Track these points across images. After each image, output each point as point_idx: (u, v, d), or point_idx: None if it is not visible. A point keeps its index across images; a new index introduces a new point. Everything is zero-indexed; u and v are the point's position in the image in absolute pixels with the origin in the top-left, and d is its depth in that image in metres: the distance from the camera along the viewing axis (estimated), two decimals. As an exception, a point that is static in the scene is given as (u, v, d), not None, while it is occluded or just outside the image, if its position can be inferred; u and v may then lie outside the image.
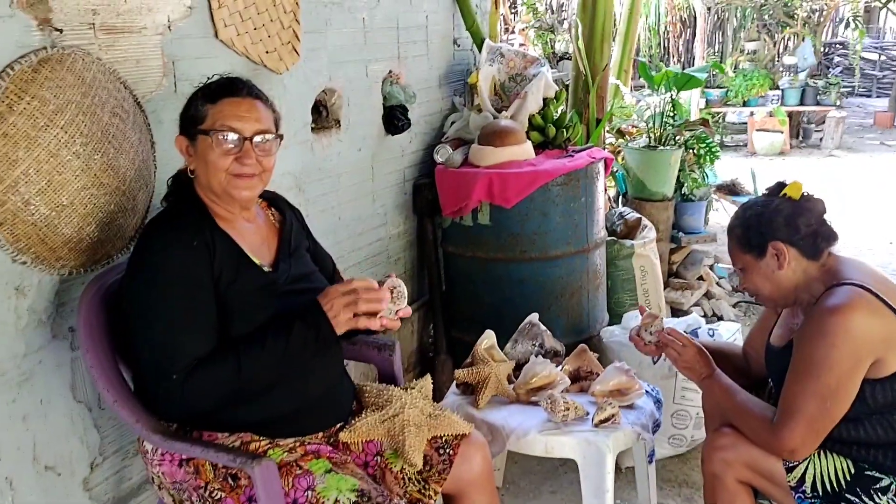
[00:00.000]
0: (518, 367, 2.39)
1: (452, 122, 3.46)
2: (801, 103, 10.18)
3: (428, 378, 1.96)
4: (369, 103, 3.01)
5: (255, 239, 1.79)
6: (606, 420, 2.15)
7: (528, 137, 3.29)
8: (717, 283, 4.96)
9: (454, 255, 3.27)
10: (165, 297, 1.57)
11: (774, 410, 1.88)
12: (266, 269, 1.75)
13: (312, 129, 2.71)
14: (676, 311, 4.60)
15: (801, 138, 10.56)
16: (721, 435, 1.95)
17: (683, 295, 4.63)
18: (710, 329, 3.04)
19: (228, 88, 1.69)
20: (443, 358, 3.36)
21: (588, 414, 2.18)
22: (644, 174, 4.43)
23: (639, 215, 3.87)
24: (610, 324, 3.43)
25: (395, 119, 3.06)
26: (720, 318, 4.70)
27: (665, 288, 4.49)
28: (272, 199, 1.91)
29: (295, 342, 1.61)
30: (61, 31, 1.75)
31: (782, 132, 9.79)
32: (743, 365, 2.23)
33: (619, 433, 2.14)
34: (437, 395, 2.21)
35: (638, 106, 5.62)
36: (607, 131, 5.04)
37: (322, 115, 2.81)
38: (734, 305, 4.89)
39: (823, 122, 10.38)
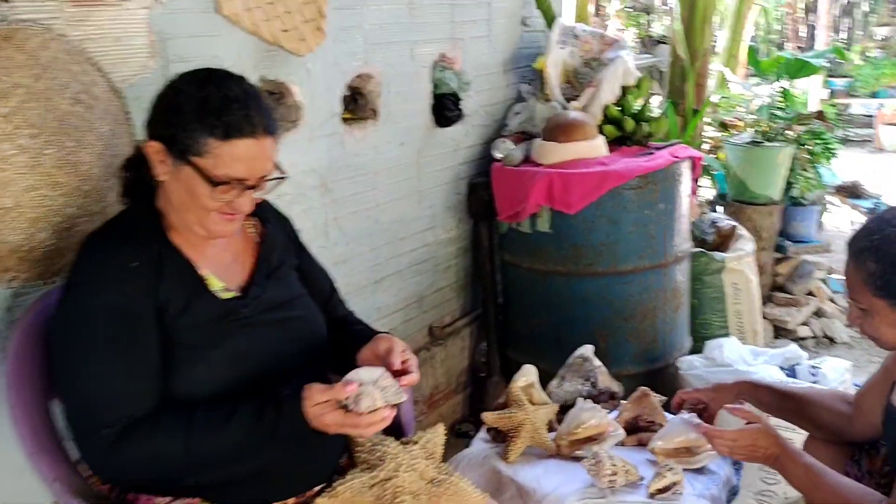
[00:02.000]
0: (563, 411, 1.99)
1: (517, 114, 3.06)
2: (939, 94, 9.13)
3: (440, 429, 1.59)
4: (415, 91, 2.65)
5: (223, 257, 1.46)
6: (665, 490, 1.72)
7: (602, 132, 2.85)
8: (831, 300, 4.36)
9: (511, 265, 2.88)
10: (94, 336, 1.27)
11: (882, 498, 1.42)
12: (230, 293, 1.43)
13: (344, 119, 2.38)
14: (780, 331, 4.05)
15: (937, 133, 9.47)
16: None
17: (789, 312, 4.08)
18: (811, 367, 2.52)
19: (244, 125, 1.29)
20: (495, 380, 2.99)
21: (643, 480, 1.76)
22: (747, 174, 3.90)
23: (734, 223, 3.36)
24: (693, 350, 2.95)
25: (445, 109, 2.69)
26: (832, 341, 4.11)
27: (767, 304, 3.95)
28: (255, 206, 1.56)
29: (262, 432, 1.30)
30: (8, 0, 1.48)
31: (915, 126, 8.79)
32: (842, 422, 1.75)
33: (680, 507, 1.71)
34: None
35: (746, 96, 5.03)
36: (708, 124, 4.50)
37: (358, 103, 2.47)
38: (849, 326, 4.26)
39: (964, 116, 9.26)
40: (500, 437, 1.93)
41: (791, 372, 2.53)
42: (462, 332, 3.02)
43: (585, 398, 1.98)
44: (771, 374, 2.49)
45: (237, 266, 1.48)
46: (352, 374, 1.31)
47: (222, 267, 1.45)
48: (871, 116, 9.27)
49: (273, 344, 1.43)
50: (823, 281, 4.39)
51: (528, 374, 1.98)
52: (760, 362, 2.62)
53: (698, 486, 1.78)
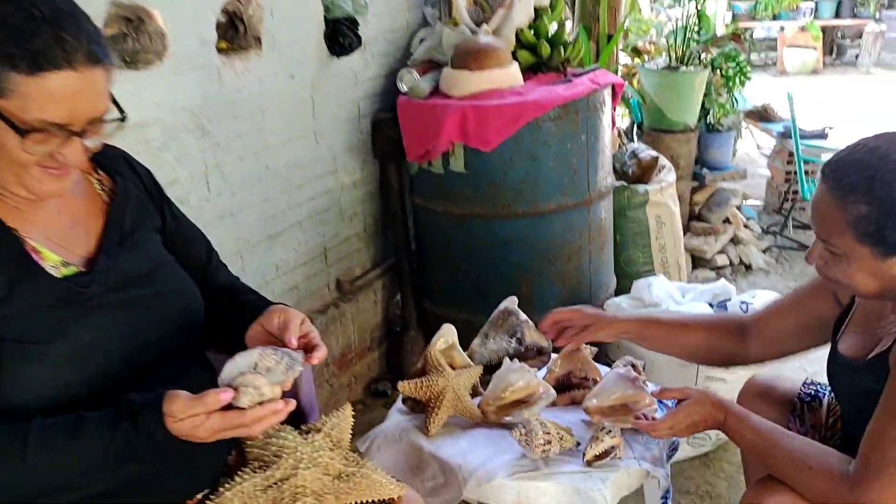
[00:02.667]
0: (489, 372, 1.78)
1: (422, 40, 2.76)
2: (837, 16, 9.25)
3: (347, 411, 1.34)
4: (304, 14, 2.31)
5: (57, 221, 1.15)
6: (603, 455, 1.54)
7: (516, 58, 2.59)
8: (745, 226, 4.32)
9: (424, 210, 2.63)
10: None
11: (844, 458, 1.27)
12: (70, 268, 1.13)
13: (220, 49, 2.04)
14: (697, 261, 3.98)
15: (835, 55, 9.68)
16: (766, 491, 1.35)
17: (707, 241, 4.02)
18: (741, 302, 2.40)
19: (57, 53, 0.97)
20: (413, 334, 2.77)
21: (579, 445, 1.58)
22: (663, 100, 3.74)
23: (655, 153, 3.20)
24: (618, 290, 2.80)
25: (340, 36, 2.38)
26: (748, 268, 4.08)
27: (685, 233, 3.85)
28: (101, 157, 1.24)
29: (117, 450, 1.03)
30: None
31: (815, 49, 8.91)
32: (734, 347, 1.64)
33: (619, 473, 1.54)
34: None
35: (658, 20, 4.86)
36: (620, 50, 4.30)
37: (237, 30, 2.13)
38: (765, 251, 4.25)
39: (860, 38, 9.46)
40: (419, 408, 1.70)
41: (721, 308, 2.41)
42: (374, 284, 2.77)
43: (512, 357, 1.77)
44: (701, 311, 2.36)
45: (78, 233, 1.17)
46: (225, 372, 1.05)
47: (58, 235, 1.14)
48: (773, 40, 9.35)
49: (130, 330, 1.15)
50: (738, 208, 4.34)
51: (446, 335, 1.75)
52: (689, 300, 2.49)
53: (638, 447, 1.61)
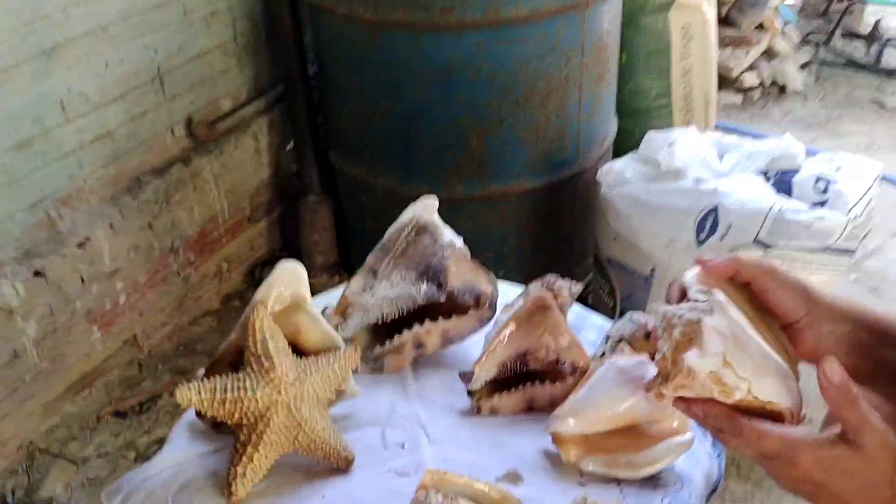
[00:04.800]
0: (381, 336, 0.94)
1: None
2: None
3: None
4: None
5: None
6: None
7: None
8: (782, 32, 3.36)
9: (324, 13, 1.64)
10: None
11: None
12: None
13: None
14: (720, 82, 3.04)
15: None
16: None
17: (734, 55, 3.18)
18: (818, 177, 1.51)
19: None
20: (313, 200, 1.89)
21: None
22: None
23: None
24: (617, 143, 1.90)
25: None
26: (781, 90, 3.22)
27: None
28: None
29: None
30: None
31: None
32: None
33: None
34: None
35: None
36: None
37: None
38: (803, 67, 3.30)
39: None
40: (228, 430, 0.87)
41: (783, 186, 1.53)
42: (251, 125, 1.84)
43: (419, 314, 0.93)
44: (751, 190, 1.48)
45: None
46: None
47: None
48: None
49: None
50: (775, 10, 3.36)
51: (286, 283, 0.89)
52: (731, 167, 1.60)
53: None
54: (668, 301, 0.67)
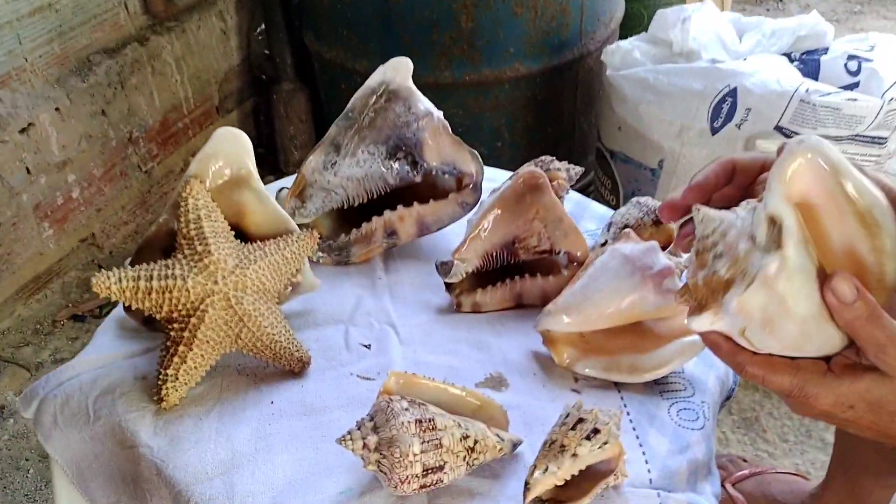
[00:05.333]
0: (345, 223, 0.81)
1: None
2: None
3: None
4: None
5: None
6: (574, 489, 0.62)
7: None
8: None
9: None
10: None
11: None
12: None
13: None
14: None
15: None
16: None
17: None
18: (850, 56, 1.34)
19: None
20: (288, 88, 1.71)
21: (503, 453, 0.65)
22: None
23: None
24: (624, 24, 1.73)
25: None
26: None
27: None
28: None
29: None
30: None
31: None
32: None
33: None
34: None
35: None
36: None
37: None
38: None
39: None
40: (161, 328, 0.74)
41: (810, 68, 1.36)
42: (217, 2, 1.65)
43: (386, 201, 0.78)
44: (774, 70, 1.32)
45: None
46: None
47: None
48: None
49: None
50: None
51: (227, 152, 0.74)
52: (751, 47, 1.43)
53: (660, 443, 0.70)
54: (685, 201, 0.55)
